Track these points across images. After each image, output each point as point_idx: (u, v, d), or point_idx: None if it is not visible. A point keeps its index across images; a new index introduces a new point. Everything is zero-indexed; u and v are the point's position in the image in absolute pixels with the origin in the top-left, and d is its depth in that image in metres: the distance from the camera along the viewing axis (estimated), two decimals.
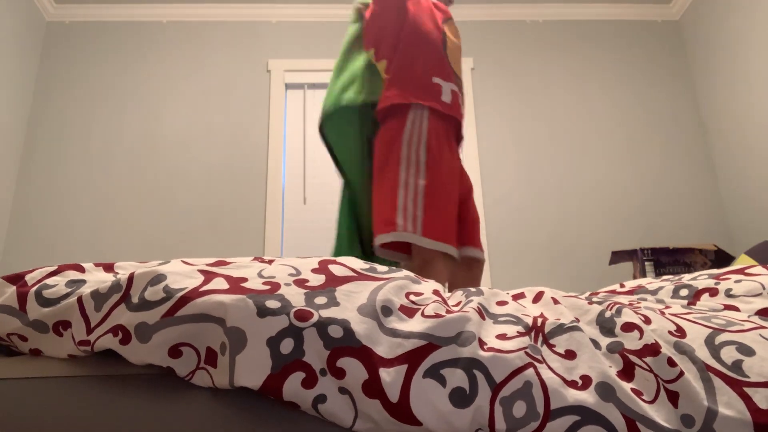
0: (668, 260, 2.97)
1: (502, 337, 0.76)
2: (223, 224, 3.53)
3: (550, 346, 0.76)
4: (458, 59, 1.84)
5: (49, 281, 0.85)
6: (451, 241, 1.60)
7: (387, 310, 0.77)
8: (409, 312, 0.79)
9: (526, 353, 0.72)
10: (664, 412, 0.69)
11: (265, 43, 3.96)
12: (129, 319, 0.76)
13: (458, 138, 1.83)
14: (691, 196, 3.72)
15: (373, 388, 0.69)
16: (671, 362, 0.72)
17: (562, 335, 0.78)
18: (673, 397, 0.70)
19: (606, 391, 0.69)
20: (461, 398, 0.68)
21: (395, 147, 1.67)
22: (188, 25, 3.97)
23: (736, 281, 1.00)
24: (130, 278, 0.79)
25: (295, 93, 3.91)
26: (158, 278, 0.78)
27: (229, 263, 0.88)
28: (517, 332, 0.77)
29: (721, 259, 2.97)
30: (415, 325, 0.76)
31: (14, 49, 3.55)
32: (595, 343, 0.78)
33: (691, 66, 3.99)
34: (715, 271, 1.11)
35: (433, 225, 1.58)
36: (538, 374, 0.70)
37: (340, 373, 0.70)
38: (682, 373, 0.71)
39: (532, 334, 0.78)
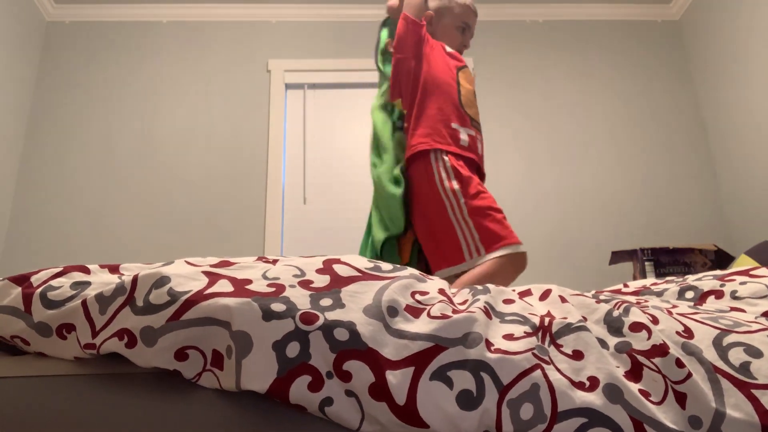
0: (668, 260, 2.97)
1: (509, 337, 0.76)
2: (223, 224, 3.52)
3: (558, 347, 0.75)
4: (473, 104, 1.96)
5: (54, 283, 0.84)
6: (511, 239, 1.74)
7: (393, 311, 0.77)
8: (415, 312, 0.78)
9: (534, 354, 0.72)
10: (671, 414, 0.69)
11: (265, 43, 3.95)
12: (134, 322, 0.75)
13: (480, 176, 1.96)
14: (691, 196, 3.72)
15: (379, 390, 0.68)
16: (679, 363, 0.72)
17: (569, 335, 0.77)
18: (681, 399, 0.69)
19: (613, 392, 0.69)
20: (468, 400, 0.68)
21: (434, 190, 1.81)
22: (188, 25, 3.96)
23: (741, 283, 1.00)
24: (134, 280, 0.79)
25: (295, 93, 3.91)
26: (162, 280, 0.77)
27: (232, 264, 0.87)
28: (525, 332, 0.77)
29: (721, 259, 2.97)
30: (422, 326, 0.75)
31: (14, 49, 3.54)
32: (603, 343, 0.77)
33: (691, 66, 3.99)
34: (719, 272, 1.11)
35: (489, 237, 1.72)
36: (545, 376, 0.70)
37: (346, 376, 0.69)
38: (690, 375, 0.70)
39: (540, 334, 0.77)
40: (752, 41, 3.36)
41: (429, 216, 1.82)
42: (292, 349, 0.70)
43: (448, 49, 2.01)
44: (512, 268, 1.71)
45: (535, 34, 4.07)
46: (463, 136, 1.87)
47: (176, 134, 3.71)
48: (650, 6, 4.09)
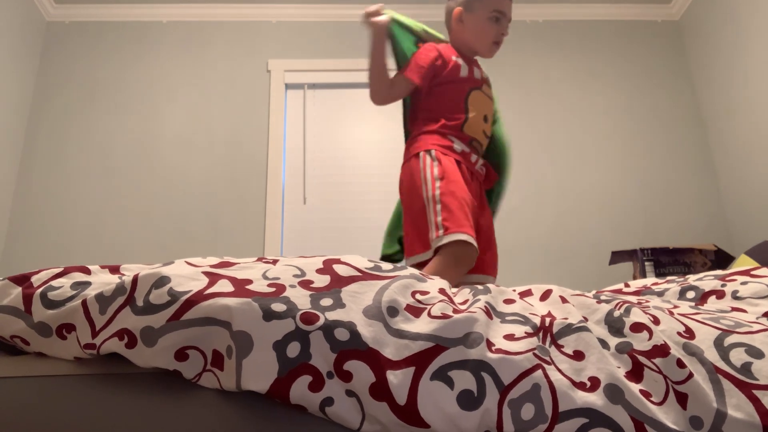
0: (668, 260, 2.97)
1: (510, 337, 0.76)
2: (223, 224, 3.52)
3: (559, 347, 0.75)
4: (479, 127, 1.93)
5: (55, 283, 0.84)
6: (466, 231, 1.69)
7: (393, 311, 0.77)
8: (415, 312, 0.78)
9: (535, 354, 0.72)
10: (672, 414, 0.68)
11: (265, 43, 3.95)
12: (134, 322, 0.75)
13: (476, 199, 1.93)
14: (691, 196, 3.72)
15: (380, 390, 0.68)
16: (680, 363, 0.72)
17: (570, 335, 0.77)
18: (682, 399, 0.69)
19: (614, 393, 0.69)
20: (469, 400, 0.68)
21: (416, 177, 1.84)
22: (188, 25, 3.96)
23: (742, 283, 1.00)
24: (134, 280, 0.79)
25: (295, 93, 3.91)
26: (162, 280, 0.77)
27: (233, 264, 0.87)
28: (525, 333, 0.76)
29: (721, 259, 2.97)
30: (422, 325, 0.75)
31: (14, 49, 3.54)
32: (604, 344, 0.77)
33: (691, 66, 3.99)
34: (720, 272, 1.11)
35: (448, 222, 1.70)
36: (546, 376, 0.69)
37: (347, 376, 0.69)
38: (691, 375, 0.70)
39: (540, 334, 0.77)
40: (752, 41, 3.36)
41: (409, 204, 1.84)
42: (293, 349, 0.70)
43: (464, 70, 1.98)
44: (463, 262, 1.68)
45: (535, 34, 4.06)
46: (457, 147, 1.88)
47: (176, 134, 3.70)
48: (650, 6, 4.09)
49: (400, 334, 0.73)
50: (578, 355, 0.73)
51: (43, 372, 0.77)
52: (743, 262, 2.50)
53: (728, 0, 3.56)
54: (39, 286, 0.84)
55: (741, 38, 3.45)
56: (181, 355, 0.74)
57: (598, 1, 4.09)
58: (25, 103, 3.67)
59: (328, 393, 0.69)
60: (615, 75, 3.96)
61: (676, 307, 0.92)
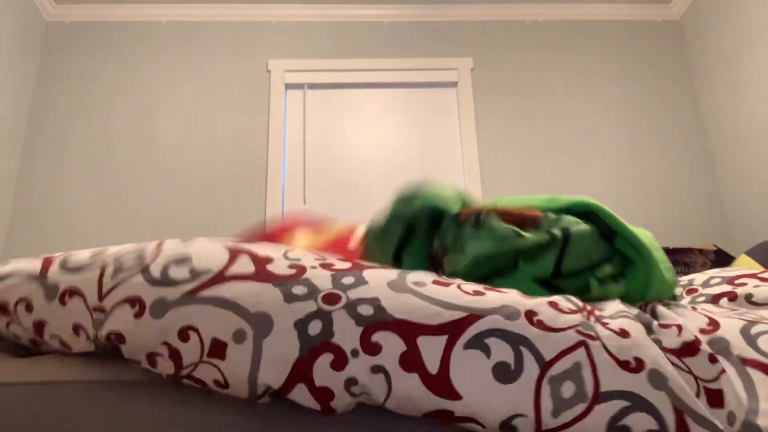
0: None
1: (554, 305, 0.72)
2: (223, 224, 3.51)
3: (604, 324, 0.72)
4: None
5: (75, 253, 0.84)
6: None
7: (420, 284, 0.74)
8: (445, 285, 0.75)
9: (578, 331, 0.68)
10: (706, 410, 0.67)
11: (265, 43, 3.94)
12: (148, 292, 0.73)
13: None
14: (691, 196, 3.72)
15: (410, 359, 0.65)
16: (712, 359, 0.69)
17: (613, 317, 0.74)
18: (714, 396, 0.67)
19: (658, 378, 0.65)
20: (506, 373, 0.65)
21: None
22: (188, 25, 3.95)
23: (755, 286, 0.99)
24: (155, 253, 0.77)
25: (295, 93, 3.90)
26: (183, 255, 0.76)
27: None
28: (569, 309, 0.73)
29: (721, 259, 2.97)
30: (454, 296, 0.72)
31: (14, 49, 3.52)
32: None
33: (691, 66, 4.00)
34: (723, 273, 1.10)
35: None
36: (589, 354, 0.66)
37: (375, 349, 0.66)
38: (722, 371, 0.68)
39: (585, 312, 0.74)
40: (752, 41, 3.36)
41: None
42: (314, 327, 0.67)
43: None
44: None
45: (535, 34, 4.07)
46: None
47: (176, 134, 3.69)
48: (650, 6, 4.10)
49: (432, 300, 0.70)
50: (624, 333, 0.69)
51: (40, 378, 0.74)
52: (743, 262, 2.50)
53: (728, 0, 3.58)
54: (59, 257, 0.84)
55: (741, 38, 3.46)
56: (183, 335, 0.70)
57: (598, 1, 4.10)
58: (25, 103, 3.65)
59: (351, 372, 0.66)
60: (615, 75, 3.97)
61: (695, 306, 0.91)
